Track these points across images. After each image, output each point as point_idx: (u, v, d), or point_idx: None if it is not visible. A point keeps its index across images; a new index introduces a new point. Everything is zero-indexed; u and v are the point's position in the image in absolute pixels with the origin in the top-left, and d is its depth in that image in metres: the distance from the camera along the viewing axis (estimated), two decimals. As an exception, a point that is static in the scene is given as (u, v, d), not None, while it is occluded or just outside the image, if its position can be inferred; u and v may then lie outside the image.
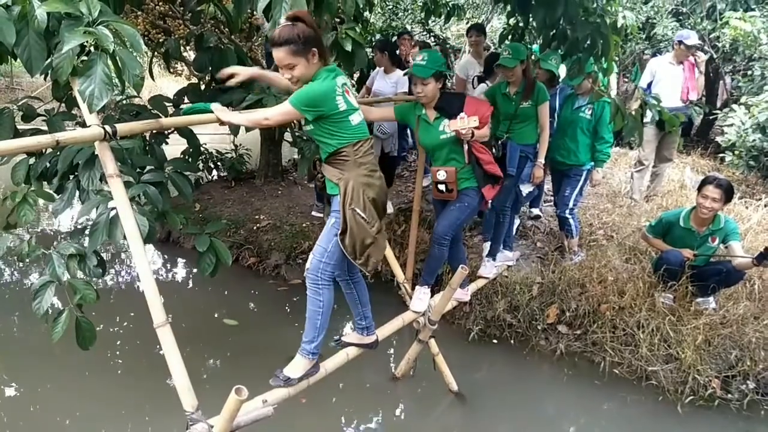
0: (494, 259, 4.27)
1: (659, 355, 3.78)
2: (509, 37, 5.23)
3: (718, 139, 7.52)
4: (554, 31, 4.29)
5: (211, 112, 2.37)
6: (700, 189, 3.89)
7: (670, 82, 5.70)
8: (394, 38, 6.72)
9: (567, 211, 4.44)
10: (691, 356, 3.66)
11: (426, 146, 3.30)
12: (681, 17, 8.49)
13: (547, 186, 5.19)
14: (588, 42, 4.11)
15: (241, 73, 2.59)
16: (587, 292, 4.20)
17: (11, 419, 3.43)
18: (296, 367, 2.61)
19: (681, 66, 5.68)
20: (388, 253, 3.58)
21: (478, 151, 3.17)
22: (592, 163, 4.41)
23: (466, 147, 3.14)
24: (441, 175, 3.20)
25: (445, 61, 3.05)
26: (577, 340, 4.14)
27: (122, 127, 2.21)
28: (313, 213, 5.83)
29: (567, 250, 4.64)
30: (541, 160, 4.02)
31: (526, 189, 4.20)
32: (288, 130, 3.90)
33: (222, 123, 2.39)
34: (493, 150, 4.05)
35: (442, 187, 3.24)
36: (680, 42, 5.64)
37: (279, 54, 2.29)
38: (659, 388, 3.71)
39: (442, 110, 3.14)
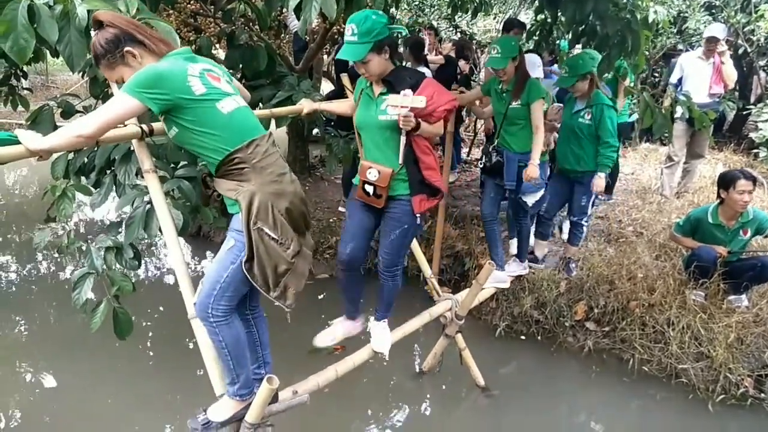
0: (521, 260, 4.21)
1: (690, 353, 3.73)
2: (537, 33, 5.21)
3: (752, 135, 7.35)
4: (583, 26, 4.26)
5: (17, 142, 1.74)
6: (729, 186, 3.78)
7: (698, 78, 5.61)
8: (420, 34, 6.73)
9: (584, 219, 4.22)
10: (723, 354, 3.60)
11: (360, 125, 2.65)
12: (714, 10, 8.31)
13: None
14: (618, 38, 4.06)
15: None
16: (616, 289, 4.16)
17: (49, 407, 3.55)
18: (222, 409, 2.19)
19: (711, 61, 5.57)
20: (415, 248, 3.61)
21: (421, 150, 2.54)
22: (604, 175, 4.02)
23: (403, 140, 2.47)
24: (372, 174, 2.55)
25: (386, 22, 2.41)
26: (606, 337, 4.10)
27: (158, 126, 2.27)
28: (340, 209, 5.88)
29: (568, 259, 4.43)
30: (535, 161, 3.49)
31: (531, 199, 3.79)
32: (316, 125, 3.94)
33: (37, 155, 1.76)
34: (484, 158, 3.85)
35: (369, 189, 2.59)
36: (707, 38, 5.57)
37: (103, 73, 1.98)
38: (689, 386, 3.66)
39: (389, 85, 2.50)
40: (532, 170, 3.48)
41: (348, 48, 2.40)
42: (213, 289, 2.01)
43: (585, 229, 4.30)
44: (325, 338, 2.90)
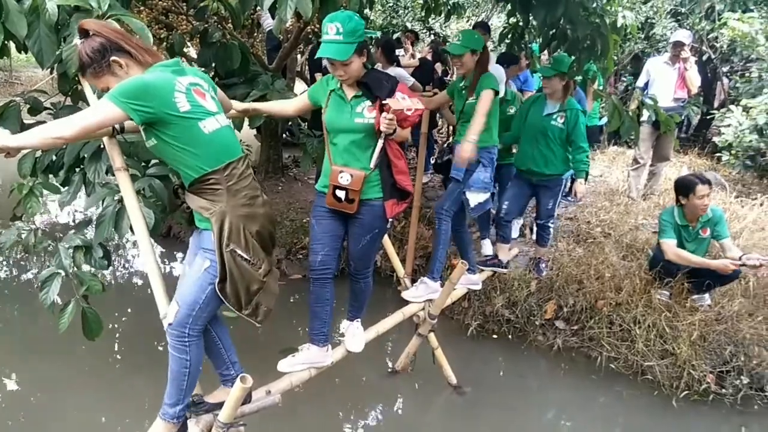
0: (431, 280, 3.63)
1: (655, 350, 3.83)
2: (509, 36, 5.29)
3: (715, 139, 7.57)
4: (554, 30, 4.33)
5: None
6: (688, 192, 3.84)
7: (664, 82, 5.76)
8: (396, 35, 6.76)
9: (551, 221, 4.27)
10: (687, 352, 3.71)
11: (332, 128, 2.55)
12: (680, 17, 8.54)
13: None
14: (588, 41, 4.15)
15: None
16: (584, 289, 4.25)
17: (14, 411, 3.46)
18: None
19: (676, 66, 5.73)
20: (389, 248, 3.63)
21: (394, 154, 2.55)
22: (571, 172, 4.13)
23: (380, 145, 2.45)
24: (344, 178, 2.47)
25: (365, 24, 2.40)
26: (575, 335, 4.19)
27: (129, 123, 2.24)
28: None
29: (538, 260, 4.49)
30: (470, 136, 3.24)
31: (475, 198, 3.58)
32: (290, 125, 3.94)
33: (5, 152, 1.81)
34: (436, 154, 3.80)
35: (341, 194, 2.50)
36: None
37: (89, 82, 1.99)
38: (655, 383, 3.76)
39: (366, 88, 2.45)
40: (466, 147, 3.22)
41: (332, 47, 2.33)
42: (191, 311, 2.02)
43: (551, 229, 4.35)
44: (288, 365, 2.70)
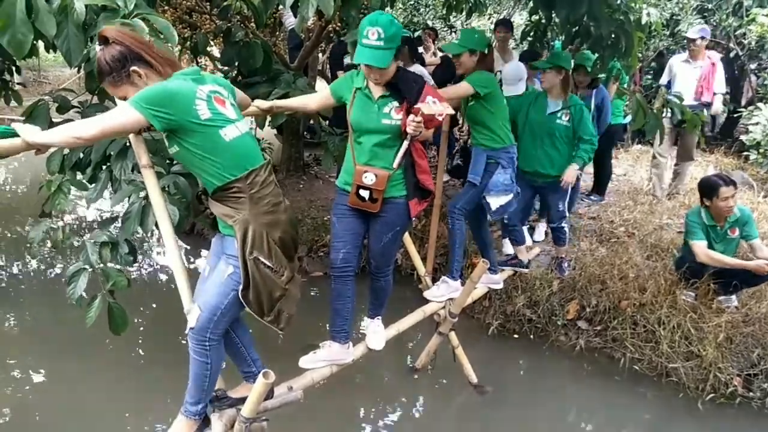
0: (452, 279, 3.61)
1: (680, 352, 3.77)
2: (531, 33, 5.24)
3: (743, 137, 7.43)
4: (577, 27, 4.29)
5: (15, 136, 1.80)
6: (712, 195, 3.78)
7: (684, 81, 5.65)
8: (417, 33, 6.75)
9: (564, 222, 4.13)
10: (713, 354, 3.65)
11: (358, 128, 2.53)
12: (706, 14, 8.38)
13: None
14: (612, 39, 4.09)
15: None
16: (608, 289, 4.19)
17: (41, 403, 3.54)
18: (178, 429, 2.22)
19: (698, 64, 5.62)
20: (410, 246, 3.63)
21: (418, 154, 2.56)
22: (578, 168, 3.93)
23: (405, 145, 2.45)
24: (368, 178, 2.47)
25: (401, 26, 2.40)
26: (597, 336, 4.14)
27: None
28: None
29: (560, 259, 4.40)
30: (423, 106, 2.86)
31: (496, 201, 3.48)
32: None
33: (34, 148, 1.82)
34: (447, 160, 3.58)
35: (365, 193, 2.50)
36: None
37: (107, 89, 1.98)
38: (679, 385, 3.70)
39: (394, 89, 2.44)
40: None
41: (372, 53, 2.30)
42: (213, 315, 2.04)
43: (566, 228, 4.23)
44: (309, 362, 2.71)
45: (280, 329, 2.10)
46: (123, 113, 1.80)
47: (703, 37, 5.54)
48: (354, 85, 2.54)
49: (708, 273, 3.93)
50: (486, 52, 3.29)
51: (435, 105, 2.34)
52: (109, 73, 1.87)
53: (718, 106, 5.75)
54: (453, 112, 2.44)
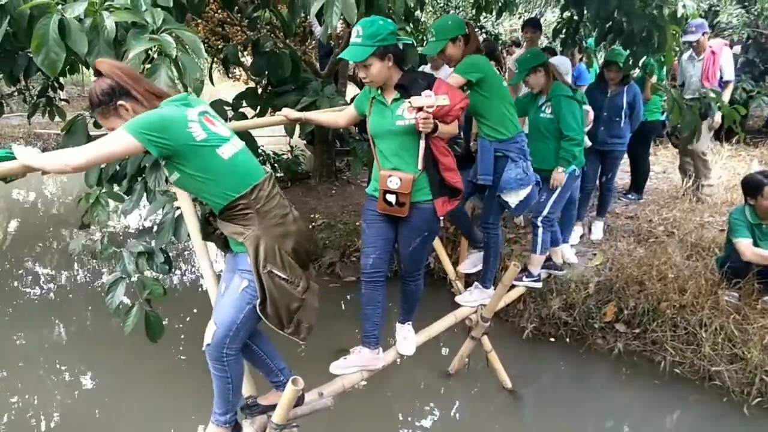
0: (484, 287, 3.53)
1: (723, 354, 3.64)
2: (563, 31, 5.17)
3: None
4: (609, 23, 4.21)
5: (14, 158, 1.83)
6: (756, 194, 3.66)
7: (690, 76, 5.47)
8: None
9: (539, 219, 3.73)
10: (758, 356, 3.51)
11: (375, 133, 2.55)
12: (747, 3, 8.10)
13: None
14: (644, 34, 4.01)
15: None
16: (646, 290, 4.09)
17: (86, 408, 3.67)
18: None
19: (701, 58, 5.38)
20: (440, 250, 3.61)
21: (440, 151, 2.49)
22: (573, 167, 3.66)
23: (423, 144, 2.42)
24: (393, 182, 2.45)
25: (393, 30, 2.38)
26: (636, 338, 4.04)
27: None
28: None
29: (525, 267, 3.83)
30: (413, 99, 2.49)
31: (514, 197, 3.26)
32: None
33: (30, 171, 1.85)
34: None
35: (391, 198, 2.48)
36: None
37: (97, 119, 2.00)
38: (723, 389, 3.58)
39: (404, 90, 2.45)
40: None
41: (351, 49, 2.38)
42: (229, 331, 2.05)
43: (541, 232, 3.71)
44: (339, 368, 2.71)
45: (302, 340, 2.10)
46: (119, 140, 1.80)
47: (704, 33, 5.34)
48: (370, 95, 2.57)
49: (752, 272, 3.80)
50: (466, 32, 3.08)
51: (428, 97, 2.31)
52: (98, 105, 1.90)
53: (728, 95, 5.48)
54: (449, 102, 2.35)
